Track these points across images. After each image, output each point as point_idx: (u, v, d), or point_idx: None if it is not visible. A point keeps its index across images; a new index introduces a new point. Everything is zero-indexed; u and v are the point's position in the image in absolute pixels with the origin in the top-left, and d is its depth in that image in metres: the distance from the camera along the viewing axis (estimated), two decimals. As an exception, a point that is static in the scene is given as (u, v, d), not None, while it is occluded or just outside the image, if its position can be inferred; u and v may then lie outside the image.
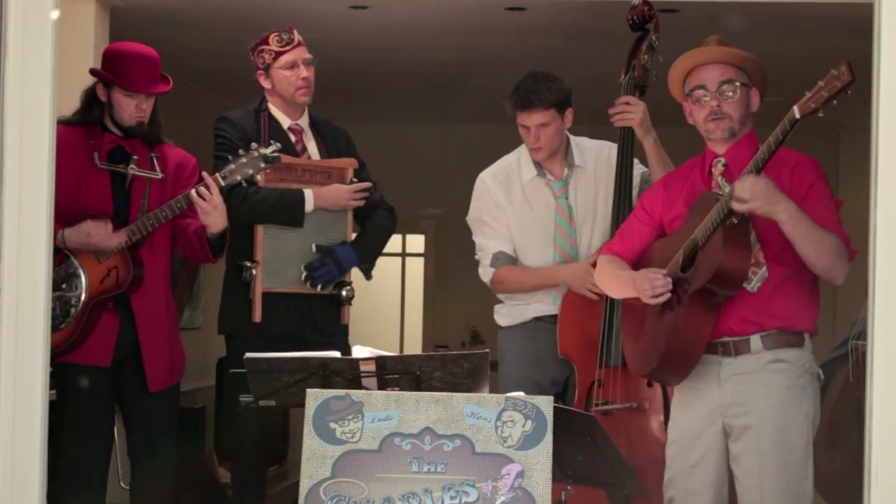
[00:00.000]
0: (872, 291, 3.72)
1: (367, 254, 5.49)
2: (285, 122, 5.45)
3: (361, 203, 5.44)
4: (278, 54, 5.37)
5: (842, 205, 4.38)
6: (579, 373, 5.17)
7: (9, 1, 3.76)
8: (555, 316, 5.23)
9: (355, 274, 5.50)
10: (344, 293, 5.39)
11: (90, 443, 5.03)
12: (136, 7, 6.73)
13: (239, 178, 5.01)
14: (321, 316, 5.40)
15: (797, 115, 4.04)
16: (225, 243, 5.15)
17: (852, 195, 8.96)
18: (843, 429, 5.62)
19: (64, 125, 4.96)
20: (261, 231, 5.34)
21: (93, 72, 5.12)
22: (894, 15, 3.68)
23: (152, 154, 5.09)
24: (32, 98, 3.79)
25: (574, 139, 5.40)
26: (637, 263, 4.52)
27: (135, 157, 5.05)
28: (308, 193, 5.34)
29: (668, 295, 4.30)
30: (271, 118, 5.43)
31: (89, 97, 5.09)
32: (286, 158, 5.30)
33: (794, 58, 7.09)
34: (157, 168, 5.07)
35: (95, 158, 5.01)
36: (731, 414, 4.32)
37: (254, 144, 5.05)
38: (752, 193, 4.11)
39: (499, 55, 7.90)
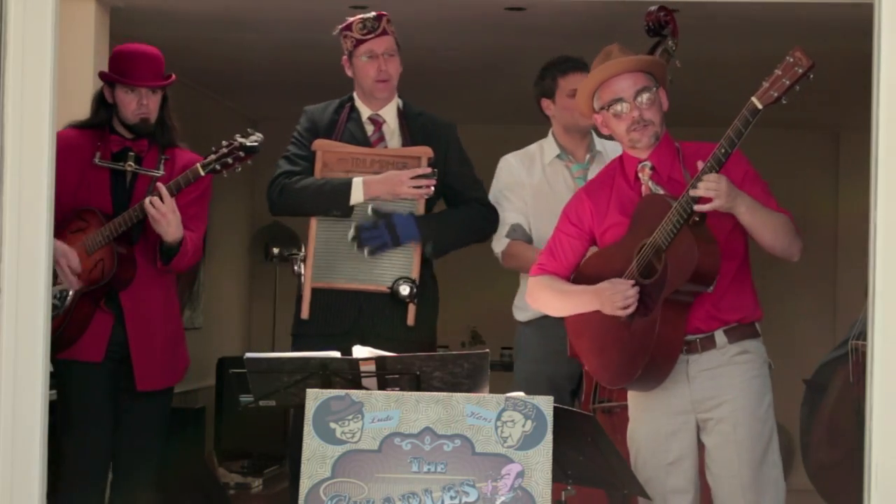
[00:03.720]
0: (872, 291, 3.72)
1: (435, 233, 5.02)
2: (366, 112, 5.11)
3: (425, 192, 4.97)
4: (359, 42, 5.01)
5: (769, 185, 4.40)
6: (587, 371, 5.17)
7: (9, 1, 3.76)
8: None
9: None
10: (404, 290, 4.93)
11: (89, 437, 5.01)
12: (136, 7, 6.72)
13: (219, 167, 4.89)
14: (379, 316, 4.98)
15: (759, 106, 4.05)
16: (177, 254, 4.92)
17: (852, 195, 8.97)
18: (843, 429, 5.62)
19: (74, 129, 5.05)
20: (314, 222, 5.00)
21: (100, 74, 5.14)
22: (894, 15, 3.69)
23: (162, 156, 5.03)
24: (32, 98, 3.79)
25: (593, 134, 5.44)
26: (575, 278, 4.46)
27: (132, 153, 5.03)
28: (357, 182, 4.94)
29: (635, 304, 4.29)
30: (353, 109, 5.11)
31: (98, 100, 5.10)
32: (353, 149, 5.02)
33: (793, 58, 7.07)
34: (163, 169, 5.01)
35: (96, 157, 5.02)
36: (703, 409, 4.34)
37: (237, 135, 4.92)
38: (718, 191, 4.12)
39: (499, 55, 7.89)
